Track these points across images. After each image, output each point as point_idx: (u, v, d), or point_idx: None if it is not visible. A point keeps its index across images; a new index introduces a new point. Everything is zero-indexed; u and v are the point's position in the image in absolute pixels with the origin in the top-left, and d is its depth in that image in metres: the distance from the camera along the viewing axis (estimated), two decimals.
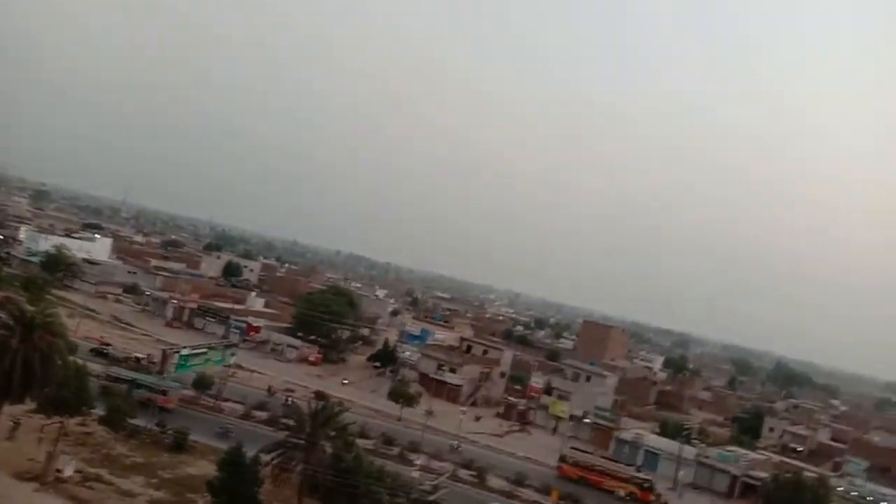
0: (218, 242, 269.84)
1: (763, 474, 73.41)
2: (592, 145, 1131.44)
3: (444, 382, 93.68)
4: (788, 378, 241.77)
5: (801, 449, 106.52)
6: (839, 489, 74.55)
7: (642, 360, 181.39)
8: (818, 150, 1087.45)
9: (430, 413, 70.01)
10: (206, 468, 44.47)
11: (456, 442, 68.38)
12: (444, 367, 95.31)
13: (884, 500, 71.95)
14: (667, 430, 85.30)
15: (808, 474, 69.71)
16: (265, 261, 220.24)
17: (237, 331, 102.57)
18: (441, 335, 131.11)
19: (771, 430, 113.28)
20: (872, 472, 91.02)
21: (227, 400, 65.87)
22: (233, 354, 75.46)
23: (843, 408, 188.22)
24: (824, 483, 67.63)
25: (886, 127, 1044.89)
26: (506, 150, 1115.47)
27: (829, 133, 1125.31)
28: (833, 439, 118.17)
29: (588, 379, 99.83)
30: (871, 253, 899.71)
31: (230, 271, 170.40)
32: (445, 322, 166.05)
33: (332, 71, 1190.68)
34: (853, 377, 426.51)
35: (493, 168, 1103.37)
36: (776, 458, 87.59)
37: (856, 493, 73.91)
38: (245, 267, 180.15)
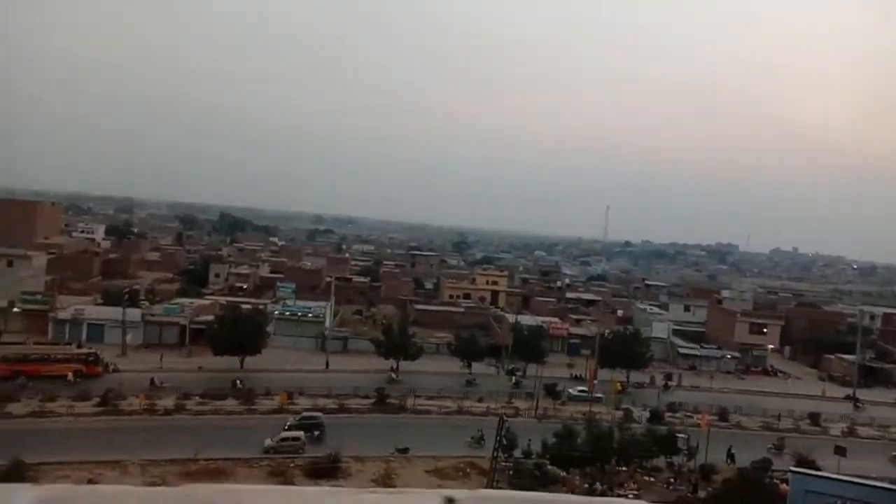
0: None
1: (210, 317, 77.43)
2: None
3: None
4: (232, 225, 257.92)
5: (245, 286, 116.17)
6: (276, 312, 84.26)
7: (83, 231, 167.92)
8: None
9: None
10: None
11: None
12: None
13: (309, 311, 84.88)
14: (109, 298, 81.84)
15: (246, 306, 76.51)
16: None
17: None
18: None
19: (217, 275, 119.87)
20: (302, 291, 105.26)
21: None
22: None
23: (281, 243, 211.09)
24: (260, 311, 75.44)
25: None
26: None
27: None
28: (273, 271, 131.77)
29: (10, 264, 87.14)
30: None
31: None
32: None
33: None
34: (290, 215, 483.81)
35: None
36: (223, 299, 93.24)
37: (288, 311, 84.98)
38: None
